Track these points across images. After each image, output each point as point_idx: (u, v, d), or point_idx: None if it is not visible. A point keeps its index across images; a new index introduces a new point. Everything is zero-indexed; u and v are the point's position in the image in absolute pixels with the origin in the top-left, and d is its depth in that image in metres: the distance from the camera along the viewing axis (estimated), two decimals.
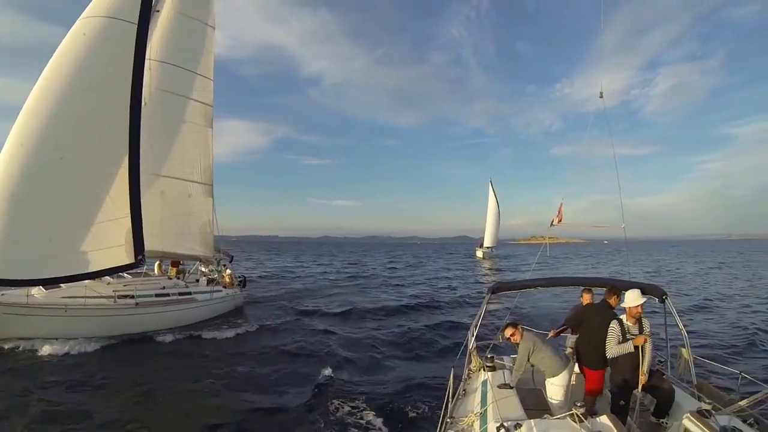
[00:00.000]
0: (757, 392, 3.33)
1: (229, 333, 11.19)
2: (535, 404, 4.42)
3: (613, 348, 4.05)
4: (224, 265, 15.26)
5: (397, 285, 25.18)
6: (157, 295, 11.42)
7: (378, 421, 6.16)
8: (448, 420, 3.93)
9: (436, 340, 11.12)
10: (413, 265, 44.89)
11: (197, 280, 13.69)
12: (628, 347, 3.96)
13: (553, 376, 4.19)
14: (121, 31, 9.54)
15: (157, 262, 14.01)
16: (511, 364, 5.01)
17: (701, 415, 3.15)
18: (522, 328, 4.50)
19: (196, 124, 13.40)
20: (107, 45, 9.40)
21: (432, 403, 6.67)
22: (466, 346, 5.28)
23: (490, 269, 40.85)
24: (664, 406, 4.03)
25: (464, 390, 4.70)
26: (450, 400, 4.25)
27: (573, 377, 4.36)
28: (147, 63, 10.54)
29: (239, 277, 15.74)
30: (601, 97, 6.45)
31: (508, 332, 4.52)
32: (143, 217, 10.52)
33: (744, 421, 3.21)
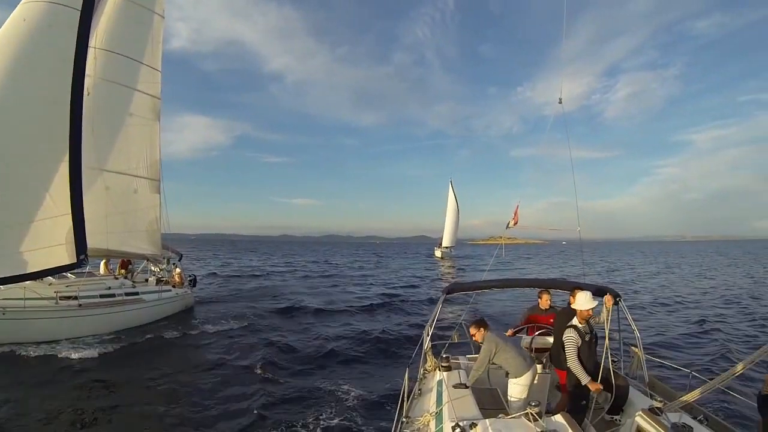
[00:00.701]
0: (707, 384, 3.38)
1: (176, 334, 10.96)
2: (491, 404, 4.37)
3: (573, 358, 4.07)
4: (174, 264, 14.77)
5: (357, 284, 25.47)
6: (102, 296, 10.92)
7: (332, 423, 6.16)
8: (404, 420, 3.89)
9: (393, 340, 11.26)
10: (374, 265, 45.37)
11: (147, 280, 13.17)
12: (584, 378, 3.94)
13: (517, 377, 4.19)
14: (64, 18, 8.91)
15: (103, 261, 13.28)
16: (467, 363, 5.08)
17: (653, 412, 3.27)
18: (485, 328, 4.45)
19: (143, 117, 12.79)
20: (49, 32, 8.75)
21: (387, 403, 6.70)
22: (422, 345, 5.25)
23: (451, 267, 41.67)
24: (619, 401, 4.10)
25: (419, 390, 4.69)
26: (405, 399, 4.21)
27: (535, 377, 4.42)
28: (91, 52, 9.94)
29: (189, 276, 15.29)
30: (560, 102, 6.43)
31: (472, 330, 4.51)
32: (86, 214, 9.94)
33: (694, 418, 3.29)
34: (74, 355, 8.68)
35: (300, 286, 24.05)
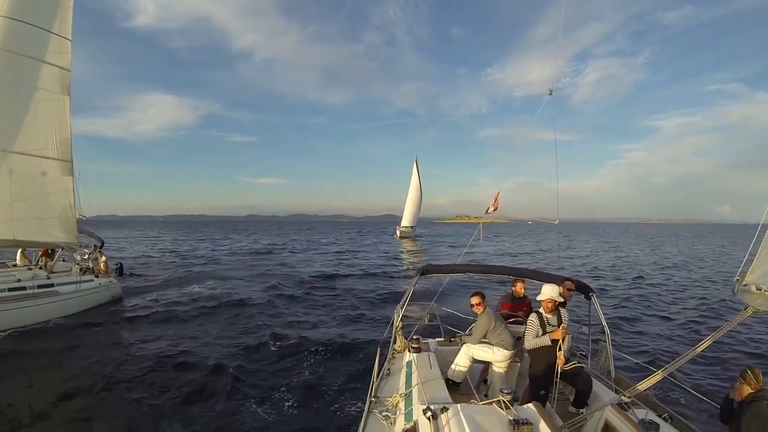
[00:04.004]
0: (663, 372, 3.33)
1: (93, 328, 10.34)
2: (461, 388, 4.48)
3: (530, 340, 4.20)
4: (100, 251, 13.71)
5: (311, 262, 25.68)
6: (10, 290, 9.96)
7: (293, 404, 6.17)
8: (373, 399, 3.88)
9: (359, 321, 11.34)
10: (335, 243, 45.44)
11: (71, 269, 12.15)
12: (544, 340, 4.10)
13: (506, 352, 4.40)
14: None
15: (20, 251, 11.98)
16: (436, 346, 5.14)
17: (621, 407, 3.31)
18: (486, 303, 4.59)
19: (50, 91, 11.45)
20: None
21: (356, 383, 6.76)
22: (392, 326, 5.22)
23: (406, 250, 40.97)
24: (583, 395, 4.17)
25: (389, 370, 4.66)
26: (375, 379, 4.19)
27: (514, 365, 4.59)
28: None
29: (115, 264, 14.30)
30: (551, 94, 6.27)
31: (474, 300, 4.62)
32: None
33: (659, 416, 3.36)
34: None
35: (244, 267, 23.61)
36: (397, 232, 60.97)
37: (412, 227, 61.24)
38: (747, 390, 3.21)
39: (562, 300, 4.39)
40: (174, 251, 35.13)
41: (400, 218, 64.34)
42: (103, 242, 14.56)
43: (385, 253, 37.33)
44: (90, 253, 13.36)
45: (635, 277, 21.47)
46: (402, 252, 38.83)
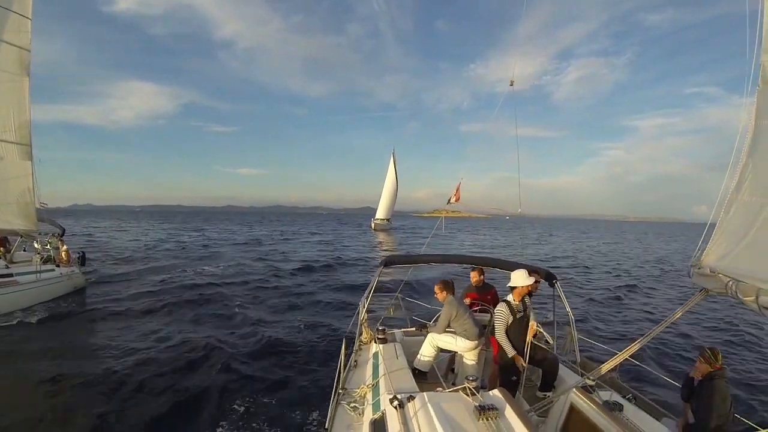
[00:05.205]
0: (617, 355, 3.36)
1: (53, 319, 10.08)
2: (427, 377, 4.56)
3: (500, 335, 4.28)
4: (61, 240, 13.21)
5: (284, 256, 25.24)
6: None
7: (263, 399, 6.11)
8: (340, 391, 3.88)
9: (326, 313, 11.34)
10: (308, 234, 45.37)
11: (31, 259, 11.67)
12: (510, 350, 4.18)
13: (467, 347, 4.45)
14: None
15: None
16: (402, 336, 5.24)
17: (586, 390, 3.41)
18: (449, 292, 4.66)
19: (8, 72, 10.92)
20: None
21: (321, 375, 6.75)
22: (357, 317, 5.22)
23: (378, 241, 41.44)
24: (549, 377, 4.26)
25: (356, 361, 4.68)
26: (342, 371, 4.18)
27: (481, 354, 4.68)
28: None
29: (77, 253, 13.81)
30: (512, 84, 6.31)
31: (436, 288, 4.71)
32: None
33: (623, 397, 3.46)
34: None
35: (216, 258, 23.40)
36: (372, 225, 61.27)
37: (387, 219, 61.57)
38: (706, 368, 3.33)
39: (534, 285, 4.47)
40: (146, 241, 34.08)
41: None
42: (64, 230, 14.06)
43: (363, 244, 37.53)
44: (50, 242, 12.89)
45: (610, 270, 22.88)
46: (376, 245, 39.22)
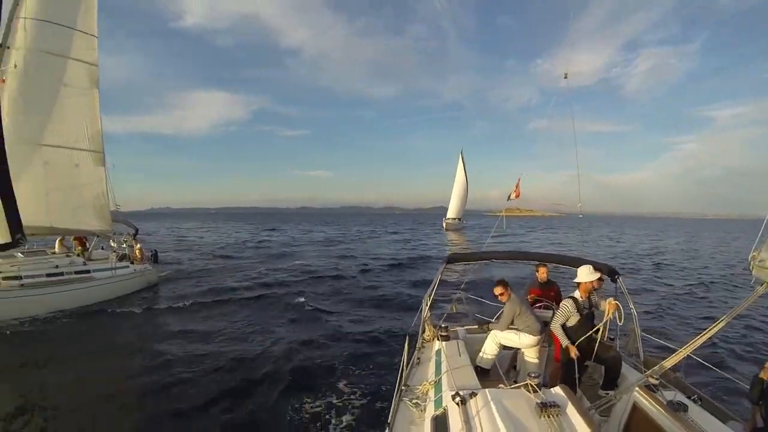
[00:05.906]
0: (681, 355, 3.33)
1: (129, 313, 10.78)
2: (490, 375, 4.59)
3: (555, 325, 4.30)
4: (134, 239, 14.50)
5: (349, 255, 25.46)
6: (48, 275, 10.65)
7: (332, 399, 6.09)
8: (403, 387, 3.93)
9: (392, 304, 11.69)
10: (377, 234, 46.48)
11: (108, 257, 12.88)
12: (564, 340, 4.19)
13: (532, 338, 4.48)
14: None
15: (58, 240, 12.83)
16: (465, 334, 5.23)
17: (649, 389, 3.32)
18: (511, 290, 4.67)
19: (80, 87, 12.03)
20: None
21: (386, 371, 6.84)
22: (420, 314, 5.28)
23: (449, 240, 41.61)
24: (612, 374, 4.16)
25: (418, 358, 4.73)
26: (405, 368, 4.25)
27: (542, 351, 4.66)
28: (21, 22, 9.44)
29: (150, 251, 15.03)
30: (566, 77, 6.44)
31: (497, 290, 4.69)
32: (25, 191, 9.60)
33: (688, 398, 3.35)
34: None
35: (274, 261, 23.85)
36: (444, 224, 61.80)
37: (458, 219, 61.72)
38: None
39: (598, 283, 4.40)
40: (229, 241, 36.38)
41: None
42: (137, 230, 15.33)
43: (436, 242, 38.14)
44: (125, 241, 14.08)
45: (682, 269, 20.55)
46: (447, 242, 39.24)
